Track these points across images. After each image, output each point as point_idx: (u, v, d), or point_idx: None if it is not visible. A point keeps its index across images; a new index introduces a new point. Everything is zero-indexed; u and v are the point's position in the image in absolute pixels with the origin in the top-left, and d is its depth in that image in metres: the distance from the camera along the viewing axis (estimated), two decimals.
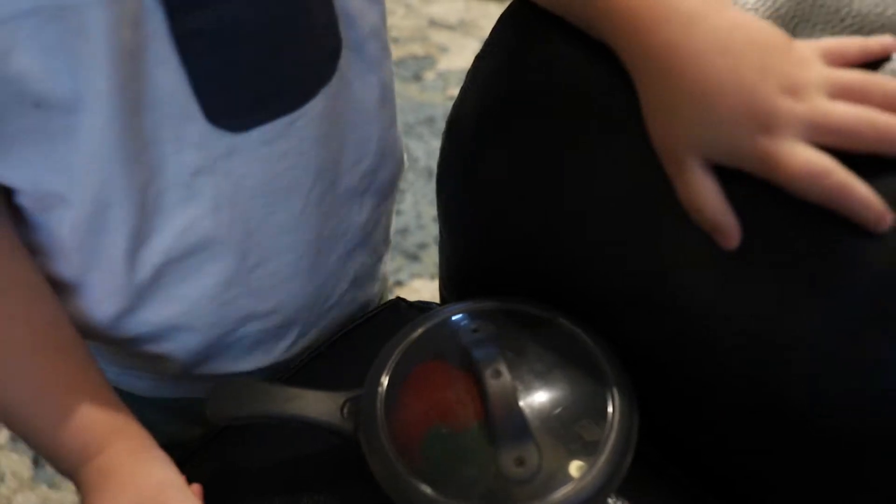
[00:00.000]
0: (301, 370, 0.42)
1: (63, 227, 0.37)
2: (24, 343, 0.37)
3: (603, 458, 0.30)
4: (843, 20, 0.32)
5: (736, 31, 0.31)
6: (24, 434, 0.39)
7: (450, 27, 1.59)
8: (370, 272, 0.49)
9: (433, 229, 1.19)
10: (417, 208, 1.20)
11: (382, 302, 0.50)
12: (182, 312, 0.41)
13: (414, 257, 1.14)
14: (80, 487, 0.36)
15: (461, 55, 1.55)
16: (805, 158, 0.28)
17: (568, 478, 0.29)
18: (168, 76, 0.33)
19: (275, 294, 0.42)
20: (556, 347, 0.33)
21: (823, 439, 0.32)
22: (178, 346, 0.43)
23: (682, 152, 0.31)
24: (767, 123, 0.29)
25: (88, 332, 0.41)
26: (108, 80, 0.32)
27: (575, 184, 0.36)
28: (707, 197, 0.30)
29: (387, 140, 0.44)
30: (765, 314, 0.31)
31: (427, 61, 1.53)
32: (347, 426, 0.33)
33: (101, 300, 0.40)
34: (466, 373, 0.32)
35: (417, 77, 1.49)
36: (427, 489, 0.29)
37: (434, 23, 1.60)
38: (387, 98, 0.43)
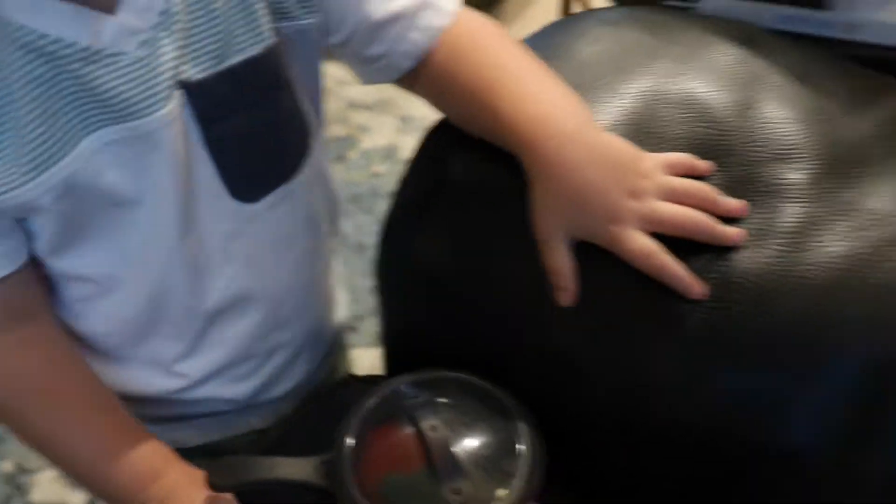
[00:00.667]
0: (277, 439, 0.51)
1: (125, 305, 0.49)
2: (78, 402, 0.48)
3: (518, 484, 0.40)
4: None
5: (600, 149, 0.43)
6: (83, 476, 0.49)
7: (368, 107, 1.71)
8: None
9: (368, 301, 1.29)
10: (352, 281, 1.29)
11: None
12: (228, 353, 0.53)
13: (351, 328, 1.23)
14: None
15: (381, 133, 1.67)
16: (638, 243, 0.41)
17: (494, 500, 0.39)
18: (205, 170, 0.45)
19: (292, 326, 0.55)
20: (476, 403, 0.43)
21: (685, 454, 0.43)
22: (227, 385, 0.55)
23: (554, 233, 0.43)
24: (615, 217, 0.41)
25: (139, 394, 0.52)
26: (169, 179, 0.44)
27: (481, 271, 0.48)
28: (563, 265, 0.42)
29: (336, 194, 0.59)
30: (624, 362, 0.43)
31: (349, 142, 1.64)
32: (324, 483, 0.42)
33: (161, 352, 0.51)
34: (411, 430, 0.42)
35: (341, 157, 1.59)
36: None
37: (353, 104, 1.70)
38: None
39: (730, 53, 0.49)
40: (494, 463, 0.41)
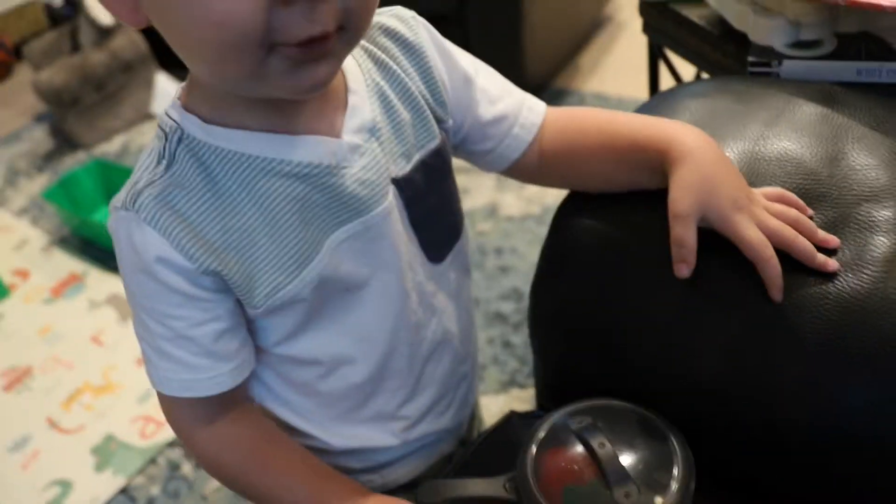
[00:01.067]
0: (462, 465, 0.61)
1: (354, 374, 0.58)
2: (288, 462, 0.57)
3: (676, 488, 0.49)
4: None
5: (726, 158, 0.54)
6: None
7: (466, 170, 1.84)
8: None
9: (486, 352, 1.40)
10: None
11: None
12: (437, 389, 0.64)
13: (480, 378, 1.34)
14: None
15: (480, 193, 1.80)
16: (755, 232, 0.50)
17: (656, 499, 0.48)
18: (412, 245, 0.57)
19: (469, 358, 0.68)
20: (632, 424, 0.52)
21: (803, 453, 0.51)
22: (436, 419, 0.65)
23: (687, 209, 0.52)
24: (738, 207, 0.51)
25: (365, 447, 0.63)
26: (392, 258, 0.55)
27: (626, 315, 0.57)
28: (689, 238, 0.51)
29: None
30: (753, 376, 0.51)
31: None
32: (513, 496, 0.52)
33: (387, 403, 0.62)
34: (581, 449, 0.51)
35: None
36: None
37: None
38: None
39: (813, 112, 0.58)
40: (655, 472, 0.49)
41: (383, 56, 0.55)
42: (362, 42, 0.54)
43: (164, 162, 0.49)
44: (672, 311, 0.54)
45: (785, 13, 0.67)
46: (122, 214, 0.50)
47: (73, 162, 2.26)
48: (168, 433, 1.35)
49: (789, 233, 0.50)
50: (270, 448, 0.58)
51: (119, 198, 0.51)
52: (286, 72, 0.44)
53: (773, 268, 0.49)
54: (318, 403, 0.60)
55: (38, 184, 2.23)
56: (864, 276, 0.48)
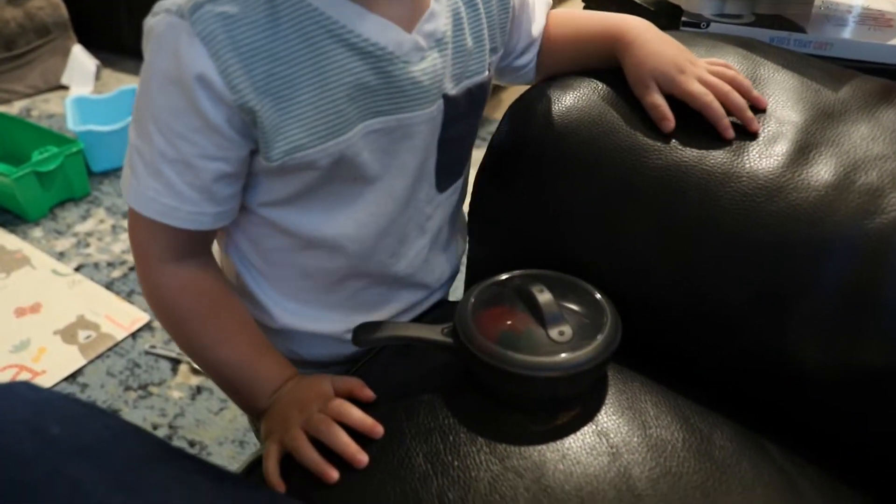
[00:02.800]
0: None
1: (327, 261, 0.58)
2: (235, 318, 0.57)
3: (605, 334, 0.52)
4: None
5: (668, 37, 0.62)
6: (228, 377, 0.57)
7: None
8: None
9: None
10: None
11: None
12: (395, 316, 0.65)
13: None
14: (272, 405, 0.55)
15: None
16: (697, 86, 0.57)
17: (587, 343, 0.51)
18: (430, 162, 0.58)
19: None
20: (567, 287, 0.55)
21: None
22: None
23: (646, 78, 0.59)
24: (682, 69, 0.58)
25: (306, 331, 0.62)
26: (411, 164, 0.56)
27: (560, 206, 0.61)
28: (659, 100, 0.58)
29: None
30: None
31: None
32: (448, 340, 0.54)
33: (342, 303, 0.62)
34: (517, 305, 0.54)
35: None
36: (509, 351, 0.50)
37: None
38: None
39: (739, 51, 0.66)
40: (587, 322, 0.53)
41: None
42: None
43: None
44: (606, 200, 0.59)
45: None
46: (173, 20, 0.46)
47: None
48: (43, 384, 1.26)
49: (725, 87, 0.58)
50: (224, 304, 0.57)
51: (176, 2, 0.47)
52: None
53: (715, 110, 0.57)
54: (281, 275, 0.60)
55: None
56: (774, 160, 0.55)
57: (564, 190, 0.60)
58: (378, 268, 0.60)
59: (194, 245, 0.55)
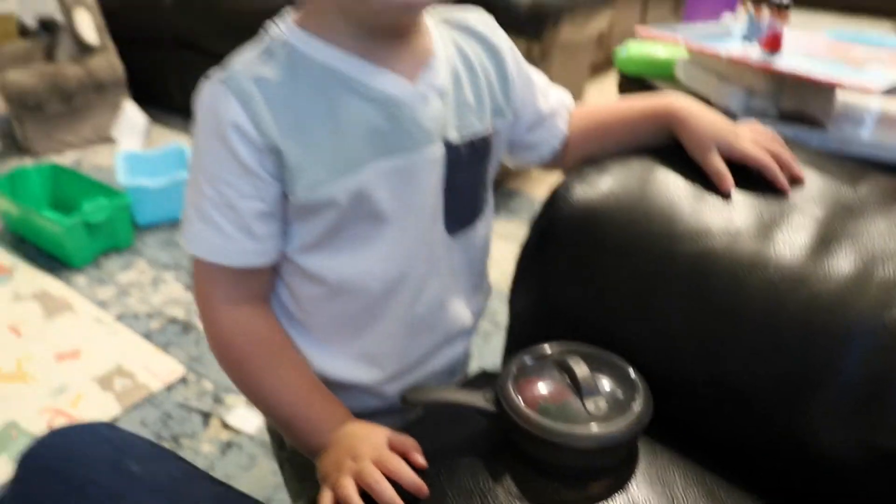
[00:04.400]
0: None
1: (352, 305, 0.64)
2: (292, 362, 0.63)
3: (638, 408, 0.55)
4: None
5: (714, 112, 0.67)
6: (284, 417, 0.62)
7: None
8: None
9: None
10: None
11: None
12: (421, 357, 0.69)
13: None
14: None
15: None
16: (752, 145, 0.64)
17: (620, 416, 0.55)
18: (438, 205, 0.64)
19: (462, 346, 0.74)
20: (602, 362, 0.59)
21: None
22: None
23: (707, 145, 0.65)
24: (734, 135, 0.65)
25: (340, 381, 0.66)
26: (420, 205, 0.62)
27: (597, 286, 0.66)
28: (720, 165, 0.64)
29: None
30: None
31: None
32: (490, 407, 0.57)
33: (371, 349, 0.66)
34: (556, 377, 0.58)
35: None
36: (547, 420, 0.54)
37: None
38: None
39: None
40: (621, 397, 0.56)
41: (469, 52, 0.65)
42: (454, 36, 0.65)
43: (263, 55, 0.57)
44: (640, 283, 0.63)
45: (742, 82, 0.82)
46: (213, 86, 0.57)
47: (17, 164, 2.23)
48: None
49: (774, 148, 0.65)
50: (280, 347, 0.63)
51: (212, 74, 0.57)
52: None
53: (774, 168, 0.64)
54: (316, 323, 0.65)
55: None
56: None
57: (601, 271, 0.64)
58: (399, 308, 0.65)
59: (249, 289, 0.62)
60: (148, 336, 1.52)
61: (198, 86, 0.59)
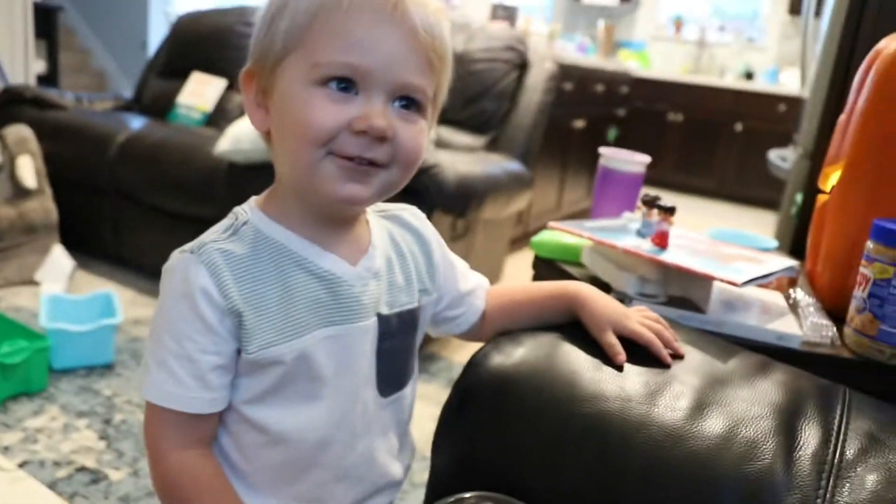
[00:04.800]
0: None
1: (289, 454, 0.69)
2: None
3: None
4: None
5: (609, 296, 0.78)
6: None
7: None
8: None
9: None
10: None
11: None
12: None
13: None
14: None
15: None
16: (640, 327, 0.75)
17: None
18: (370, 370, 0.72)
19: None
20: None
21: None
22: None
23: (603, 325, 0.75)
24: (627, 317, 0.75)
25: None
26: (356, 368, 0.70)
27: (511, 442, 0.74)
28: (614, 341, 0.74)
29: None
30: None
31: None
32: None
33: (302, 492, 0.71)
34: None
35: None
36: None
37: None
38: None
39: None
40: None
41: (401, 242, 0.76)
42: (389, 227, 0.76)
43: (230, 233, 0.67)
44: (547, 442, 0.72)
45: (636, 271, 0.97)
46: (185, 255, 0.65)
47: None
48: None
49: (658, 327, 0.77)
50: (222, 490, 0.67)
51: (185, 246, 0.66)
52: (333, 177, 0.62)
53: (656, 343, 0.75)
54: (254, 469, 0.70)
55: None
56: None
57: (514, 430, 0.73)
58: (333, 459, 0.71)
59: (197, 434, 0.67)
60: (53, 485, 1.46)
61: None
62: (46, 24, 4.85)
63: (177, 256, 0.66)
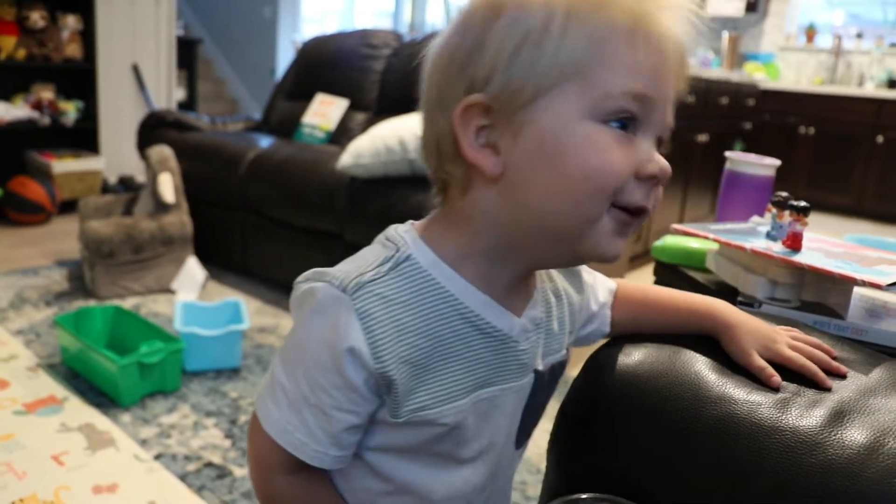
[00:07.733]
0: None
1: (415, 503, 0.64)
2: None
3: None
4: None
5: (755, 318, 0.73)
6: None
7: None
8: None
9: None
10: None
11: None
12: None
13: None
14: None
15: None
16: (790, 351, 0.69)
17: None
18: (514, 426, 0.67)
19: None
20: None
21: None
22: None
23: (749, 349, 0.70)
24: (774, 340, 0.70)
25: None
26: (502, 427, 0.65)
27: (629, 444, 0.71)
28: (763, 363, 0.68)
29: None
30: None
31: None
32: None
33: None
34: None
35: None
36: None
37: None
38: None
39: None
40: None
41: (556, 278, 0.69)
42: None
43: (388, 267, 0.56)
44: (668, 442, 0.69)
45: (767, 274, 0.91)
46: (336, 293, 0.54)
47: (80, 305, 2.38)
48: None
49: (808, 349, 0.70)
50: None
51: (337, 277, 0.55)
52: (609, 232, 0.54)
53: (810, 368, 0.68)
54: None
55: (42, 315, 2.33)
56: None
57: (633, 431, 0.70)
58: None
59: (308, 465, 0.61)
60: (183, 477, 1.55)
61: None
62: (187, 56, 5.24)
63: (324, 290, 0.55)
